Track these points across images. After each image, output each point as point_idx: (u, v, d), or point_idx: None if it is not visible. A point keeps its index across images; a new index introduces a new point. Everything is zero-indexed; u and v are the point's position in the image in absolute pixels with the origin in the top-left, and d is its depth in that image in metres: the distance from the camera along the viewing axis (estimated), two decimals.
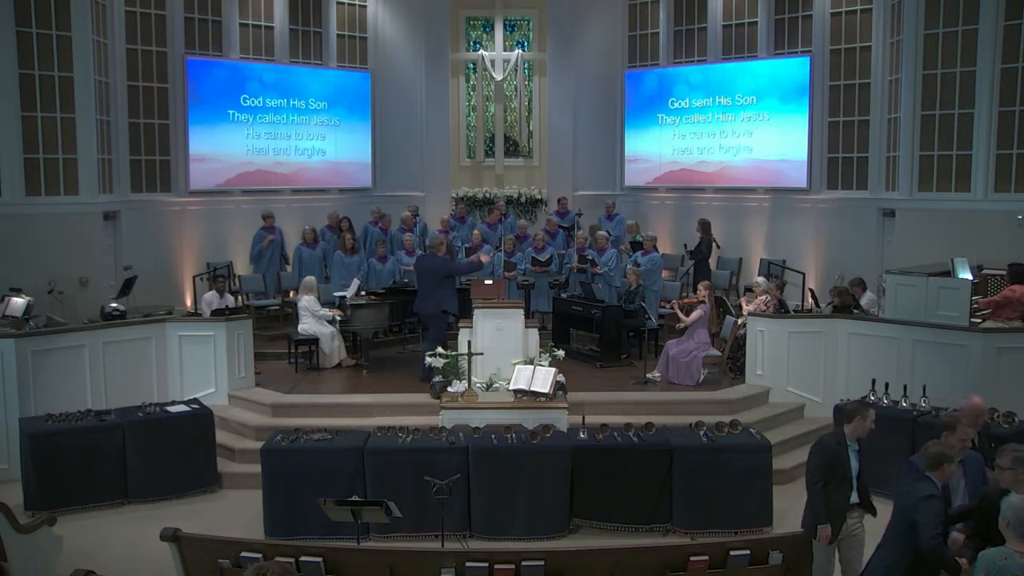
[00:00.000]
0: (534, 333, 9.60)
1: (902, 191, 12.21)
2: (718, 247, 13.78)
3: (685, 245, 13.79)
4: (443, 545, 6.44)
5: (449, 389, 8.77)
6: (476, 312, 9.51)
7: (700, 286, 10.59)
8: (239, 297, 12.67)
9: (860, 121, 13.10)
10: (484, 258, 11.44)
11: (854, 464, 5.58)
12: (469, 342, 8.91)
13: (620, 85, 15.57)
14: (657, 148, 15.23)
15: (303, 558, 5.24)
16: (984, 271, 10.57)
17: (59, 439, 7.86)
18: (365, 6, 15.18)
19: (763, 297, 10.48)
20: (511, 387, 8.42)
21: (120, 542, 7.26)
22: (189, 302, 12.95)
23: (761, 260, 13.76)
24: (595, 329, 10.93)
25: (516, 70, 15.47)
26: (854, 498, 5.58)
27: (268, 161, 14.28)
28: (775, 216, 14.03)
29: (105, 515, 7.88)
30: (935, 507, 4.79)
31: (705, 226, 13.53)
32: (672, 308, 10.91)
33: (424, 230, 13.82)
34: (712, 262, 13.76)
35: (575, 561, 5.34)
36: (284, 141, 14.43)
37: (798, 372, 9.72)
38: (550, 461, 7.30)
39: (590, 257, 12.58)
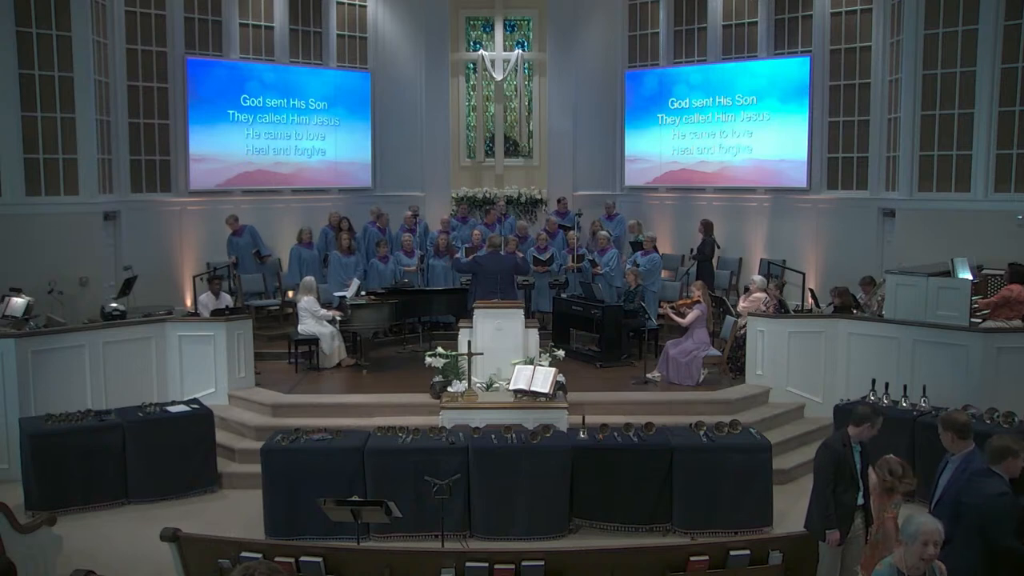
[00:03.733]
0: (534, 333, 9.61)
1: (902, 191, 12.20)
2: (718, 247, 13.76)
3: (692, 249, 13.73)
4: (443, 545, 6.44)
5: (449, 389, 8.78)
6: (476, 312, 9.52)
7: (693, 286, 10.57)
8: (237, 297, 12.65)
9: (860, 121, 13.08)
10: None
11: (858, 464, 5.58)
12: (469, 342, 8.91)
13: (620, 85, 15.55)
14: (657, 148, 15.22)
15: (303, 558, 5.24)
16: (984, 271, 10.56)
17: (59, 439, 7.87)
18: (365, 6, 15.17)
19: (758, 295, 10.46)
20: (511, 387, 8.43)
21: (120, 542, 7.26)
22: (189, 302, 12.94)
23: (761, 260, 13.75)
24: (595, 329, 10.93)
25: (516, 70, 15.47)
26: (860, 499, 5.58)
27: (268, 161, 14.27)
28: (775, 216, 14.02)
29: (105, 515, 7.88)
30: (1009, 504, 4.59)
31: (708, 226, 13.52)
32: (663, 310, 10.66)
33: (425, 230, 13.81)
34: (713, 262, 13.74)
35: (575, 561, 5.34)
36: (284, 141, 14.42)
37: (798, 372, 9.71)
38: (550, 461, 7.30)
39: (589, 257, 12.57)
